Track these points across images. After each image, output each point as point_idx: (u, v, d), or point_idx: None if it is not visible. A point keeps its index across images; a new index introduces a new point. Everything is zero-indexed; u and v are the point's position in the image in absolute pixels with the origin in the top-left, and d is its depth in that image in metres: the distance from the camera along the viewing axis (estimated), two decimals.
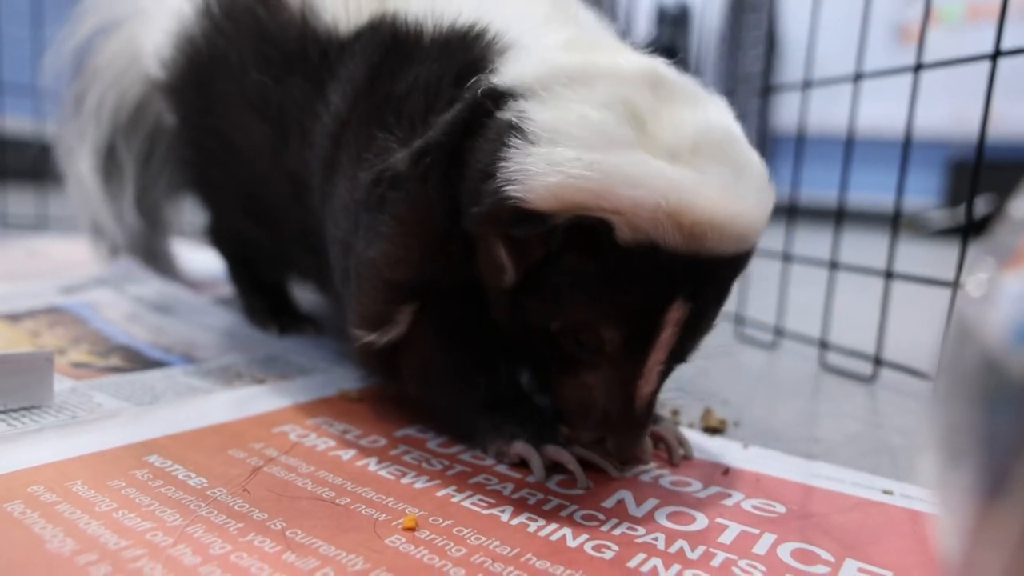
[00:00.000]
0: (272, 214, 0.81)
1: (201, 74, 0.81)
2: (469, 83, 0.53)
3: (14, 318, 0.88)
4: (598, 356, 0.51)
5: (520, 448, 0.55)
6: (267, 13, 0.71)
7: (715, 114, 0.51)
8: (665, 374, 0.52)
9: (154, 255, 1.14)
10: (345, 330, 0.64)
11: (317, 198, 0.68)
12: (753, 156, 0.50)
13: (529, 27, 0.56)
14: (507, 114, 0.49)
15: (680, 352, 0.51)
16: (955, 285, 0.77)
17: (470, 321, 0.57)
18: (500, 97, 0.51)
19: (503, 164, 0.47)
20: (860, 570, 0.43)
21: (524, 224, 0.47)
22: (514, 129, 0.48)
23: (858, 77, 0.93)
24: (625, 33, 0.61)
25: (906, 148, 0.86)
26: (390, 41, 0.61)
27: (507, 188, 0.46)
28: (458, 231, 0.53)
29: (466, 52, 0.56)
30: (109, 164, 1.06)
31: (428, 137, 0.53)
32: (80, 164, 1.05)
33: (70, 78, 1.06)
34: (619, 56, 0.54)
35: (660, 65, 0.52)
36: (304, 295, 1.01)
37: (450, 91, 0.55)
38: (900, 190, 0.89)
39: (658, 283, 0.47)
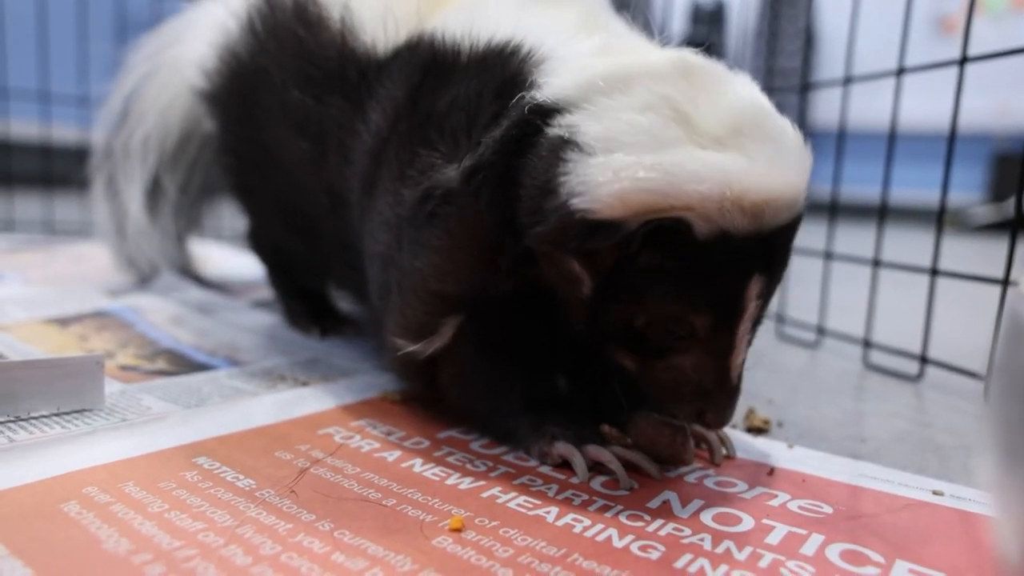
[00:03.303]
0: (310, 225, 0.82)
1: (243, 87, 0.82)
2: (514, 100, 0.53)
3: (63, 322, 0.89)
4: (688, 341, 0.52)
5: (562, 448, 0.55)
6: (308, 33, 0.72)
7: (745, 91, 0.52)
8: (750, 341, 0.54)
9: (184, 268, 1.17)
10: (381, 342, 0.65)
11: (355, 213, 0.69)
12: (785, 123, 0.52)
13: (561, 38, 0.57)
14: (556, 129, 0.50)
15: (758, 319, 0.54)
16: (1005, 283, 0.76)
17: (511, 332, 0.59)
18: (546, 112, 0.51)
19: (563, 178, 0.48)
20: (911, 572, 0.43)
21: (596, 235, 0.48)
22: (567, 143, 0.49)
23: (900, 72, 0.92)
24: (661, 31, 0.61)
25: (951, 143, 0.85)
26: (429, 61, 0.62)
27: (572, 201, 0.47)
28: (508, 245, 0.54)
29: (504, 68, 0.57)
30: (154, 199, 1.09)
31: (478, 155, 0.53)
32: (130, 206, 1.07)
33: (117, 125, 1.08)
34: (647, 54, 0.55)
35: (685, 54, 0.53)
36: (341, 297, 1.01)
37: (492, 106, 0.56)
38: (945, 186, 0.87)
39: (736, 265, 0.49)
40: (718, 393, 0.53)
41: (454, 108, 0.58)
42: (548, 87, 0.52)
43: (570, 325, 0.56)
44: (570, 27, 0.59)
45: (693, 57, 0.53)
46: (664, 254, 0.49)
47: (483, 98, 0.57)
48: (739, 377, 0.54)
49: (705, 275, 0.49)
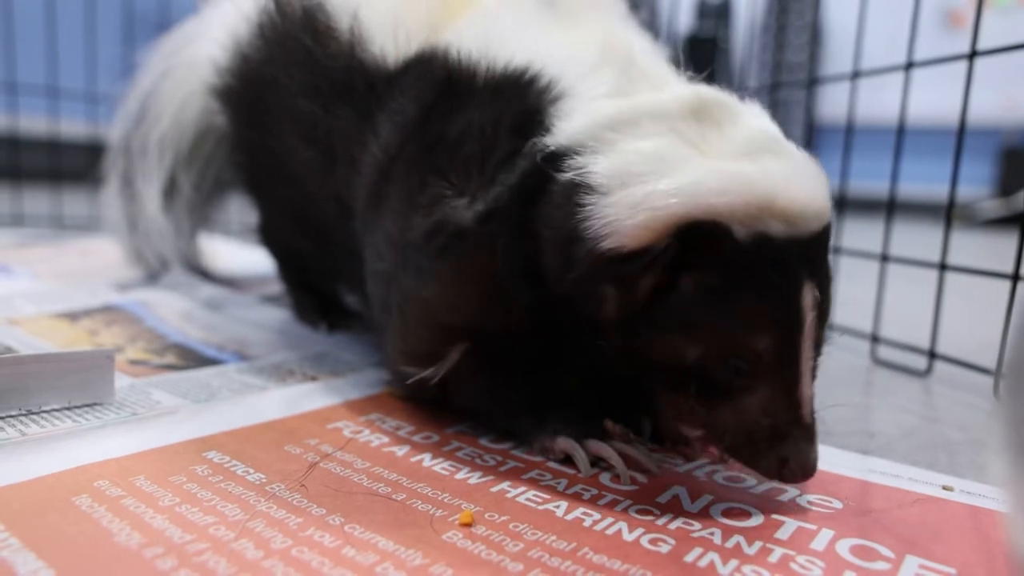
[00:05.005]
0: (319, 229, 0.81)
1: (253, 91, 0.82)
2: (528, 141, 0.53)
3: (73, 317, 0.90)
4: (751, 375, 0.48)
5: (564, 443, 0.56)
6: (315, 43, 0.71)
7: (755, 121, 0.52)
8: (814, 371, 0.50)
9: (193, 264, 1.17)
10: (385, 355, 0.66)
11: (359, 223, 0.68)
12: (794, 147, 0.51)
13: (580, 71, 0.56)
14: (567, 174, 0.50)
15: (819, 343, 0.50)
16: (1014, 278, 0.76)
17: (520, 351, 0.57)
18: (557, 158, 0.51)
19: (585, 224, 0.48)
20: (922, 567, 0.43)
21: (630, 262, 0.47)
22: (580, 187, 0.49)
23: (909, 66, 0.92)
24: (668, 27, 0.61)
25: (960, 137, 0.84)
26: (443, 80, 0.61)
27: (600, 245, 0.47)
28: (521, 291, 0.53)
29: (521, 99, 0.56)
30: (169, 197, 1.09)
31: (494, 200, 0.53)
32: (147, 204, 1.07)
33: (134, 124, 1.09)
34: (661, 93, 0.54)
35: (702, 90, 0.53)
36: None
37: (507, 141, 0.55)
38: (954, 180, 0.87)
39: (785, 274, 0.47)
40: (797, 434, 0.48)
41: (467, 137, 0.57)
42: (560, 132, 0.52)
43: (587, 352, 0.54)
44: (590, 57, 0.57)
45: (707, 93, 0.53)
46: (707, 272, 0.47)
47: (499, 131, 0.56)
48: (812, 414, 0.49)
49: (756, 287, 0.47)
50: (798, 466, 0.48)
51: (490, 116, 0.57)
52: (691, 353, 0.49)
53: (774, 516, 0.49)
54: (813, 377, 0.50)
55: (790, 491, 0.53)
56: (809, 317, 0.48)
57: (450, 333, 0.57)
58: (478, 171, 0.56)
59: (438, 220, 0.56)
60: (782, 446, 0.48)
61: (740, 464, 0.52)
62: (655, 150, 0.49)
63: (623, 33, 0.62)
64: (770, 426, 0.49)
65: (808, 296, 0.47)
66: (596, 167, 0.49)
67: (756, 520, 0.48)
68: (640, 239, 0.46)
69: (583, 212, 0.48)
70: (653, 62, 0.60)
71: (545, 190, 0.51)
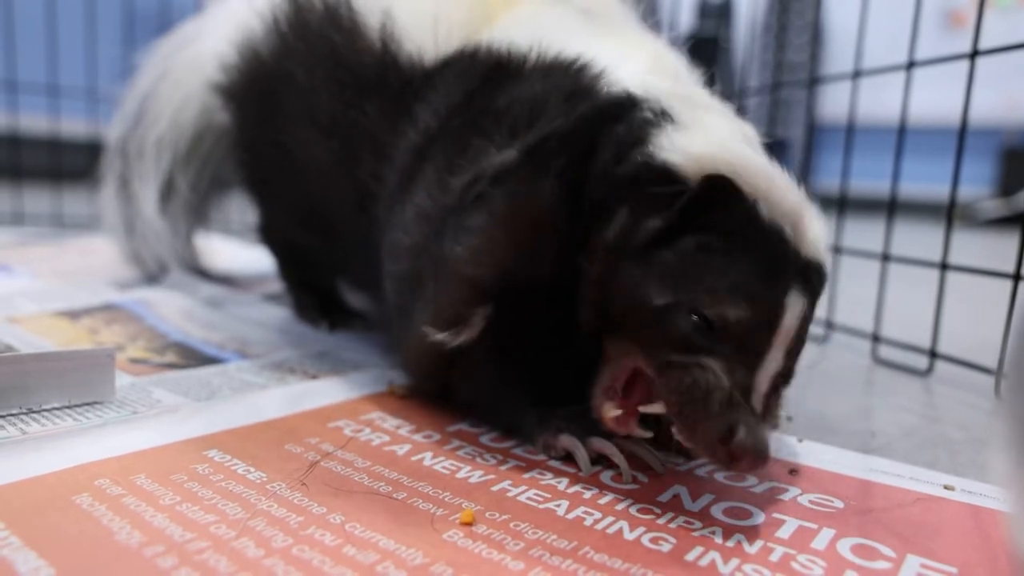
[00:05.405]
0: (327, 223, 0.81)
1: (264, 87, 0.82)
2: (597, 88, 0.57)
3: (73, 315, 0.90)
4: (713, 338, 0.48)
5: (566, 441, 0.55)
6: (343, 39, 0.71)
7: None
8: (778, 381, 0.51)
9: (191, 264, 1.17)
10: (393, 339, 0.66)
11: (382, 207, 0.68)
12: None
13: (631, 71, 0.59)
14: (648, 105, 0.54)
15: (790, 355, 0.51)
16: (1015, 277, 0.76)
17: (532, 327, 0.58)
18: (633, 101, 0.55)
19: (654, 136, 0.53)
20: (923, 566, 0.43)
21: (667, 185, 0.51)
22: (663, 115, 0.54)
23: (910, 66, 0.92)
24: (670, 27, 0.62)
25: (961, 137, 0.84)
26: (492, 67, 0.62)
27: (659, 153, 0.52)
28: (561, 222, 0.54)
29: (574, 80, 0.58)
30: (167, 199, 1.09)
31: (549, 127, 0.55)
32: (145, 207, 1.08)
33: (131, 126, 1.09)
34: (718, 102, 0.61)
35: (749, 127, 0.59)
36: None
37: (559, 105, 0.56)
38: (955, 180, 0.87)
39: (782, 269, 0.50)
40: (747, 411, 0.47)
41: (515, 104, 0.58)
42: (632, 88, 0.56)
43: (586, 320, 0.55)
44: (641, 64, 0.60)
45: (752, 131, 0.59)
46: (711, 234, 0.50)
47: (549, 101, 0.57)
48: (762, 409, 0.49)
49: (750, 260, 0.50)
50: (749, 438, 0.45)
51: (541, 89, 0.58)
52: (660, 299, 0.50)
53: (775, 515, 0.49)
54: (775, 387, 0.51)
55: (791, 490, 0.53)
56: (789, 318, 0.50)
57: (474, 290, 0.56)
58: (525, 131, 0.57)
59: (477, 171, 0.57)
60: (732, 412, 0.46)
61: (684, 434, 0.49)
62: (727, 128, 0.55)
63: (670, 52, 0.66)
64: (721, 391, 0.47)
65: (794, 304, 0.50)
66: (678, 112, 0.54)
67: (757, 519, 0.48)
68: (693, 167, 0.51)
69: (657, 129, 0.53)
70: (698, 84, 0.65)
71: (615, 118, 0.55)
